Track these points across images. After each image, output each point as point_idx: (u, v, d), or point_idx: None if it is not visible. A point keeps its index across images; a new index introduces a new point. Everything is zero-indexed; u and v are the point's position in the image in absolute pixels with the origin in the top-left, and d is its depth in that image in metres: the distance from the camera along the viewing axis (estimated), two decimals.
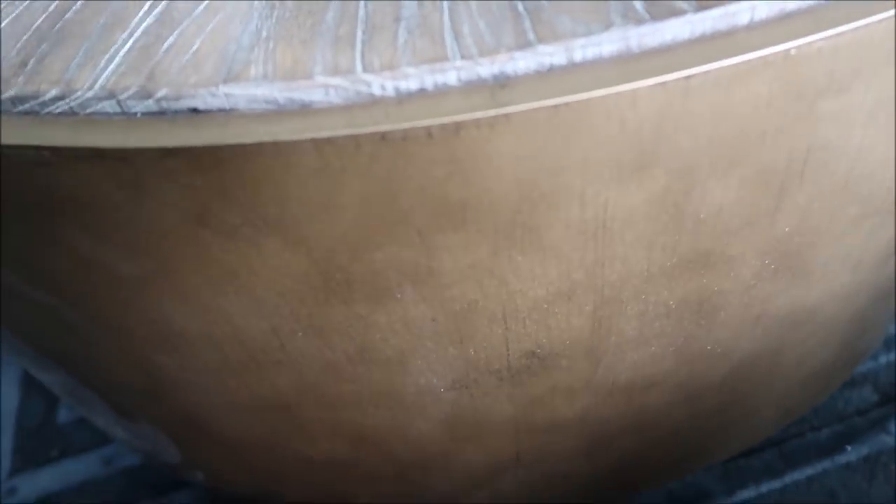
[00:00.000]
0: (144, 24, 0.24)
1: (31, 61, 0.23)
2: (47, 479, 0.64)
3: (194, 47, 0.22)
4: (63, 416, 0.68)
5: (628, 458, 0.45)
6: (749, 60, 0.21)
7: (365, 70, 0.21)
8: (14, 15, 0.25)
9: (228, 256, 0.25)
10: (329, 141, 0.21)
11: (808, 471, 0.58)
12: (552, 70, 0.21)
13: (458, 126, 0.20)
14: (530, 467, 0.43)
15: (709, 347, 0.35)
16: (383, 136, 0.21)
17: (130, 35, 0.23)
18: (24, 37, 0.24)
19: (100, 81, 0.22)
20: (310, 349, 0.30)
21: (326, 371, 0.32)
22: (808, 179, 0.26)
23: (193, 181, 0.22)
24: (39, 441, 0.66)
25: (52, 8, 0.25)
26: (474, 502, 0.47)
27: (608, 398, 0.37)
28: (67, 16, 0.25)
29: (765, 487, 0.57)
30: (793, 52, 0.21)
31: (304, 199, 0.22)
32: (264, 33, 0.23)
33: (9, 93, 0.22)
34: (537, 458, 0.42)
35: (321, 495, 0.47)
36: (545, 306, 0.29)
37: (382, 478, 0.43)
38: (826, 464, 0.58)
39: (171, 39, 0.23)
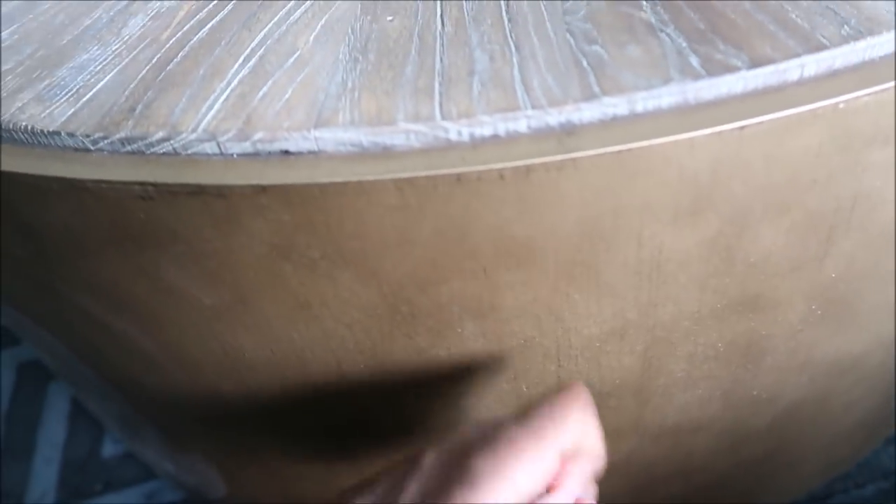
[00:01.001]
0: (240, 75, 0.26)
1: (139, 106, 0.26)
2: None
3: (286, 96, 0.25)
4: (108, 450, 0.69)
5: None
6: (799, 113, 0.23)
7: (443, 118, 0.23)
8: (121, 66, 0.28)
9: (304, 288, 0.27)
10: (409, 181, 0.22)
11: None
12: (615, 120, 0.23)
13: (528, 169, 0.22)
14: None
15: (755, 392, 0.36)
16: (459, 178, 0.22)
17: (228, 84, 0.26)
18: (132, 85, 0.27)
19: (202, 125, 0.24)
20: (370, 381, 0.32)
21: (384, 404, 0.33)
22: (855, 226, 0.27)
23: (282, 216, 0.24)
24: (84, 474, 0.68)
25: (155, 60, 0.28)
26: None
27: (655, 441, 0.37)
28: (169, 67, 0.27)
29: None
30: (841, 105, 0.23)
31: (381, 234, 0.24)
32: (350, 84, 0.25)
33: (119, 134, 0.25)
34: None
35: None
36: (598, 345, 0.30)
37: None
38: None
39: (264, 89, 0.25)
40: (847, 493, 0.59)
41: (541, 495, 0.25)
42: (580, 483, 0.25)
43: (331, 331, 0.29)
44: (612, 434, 0.36)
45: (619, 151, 0.22)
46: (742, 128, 0.22)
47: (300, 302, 0.28)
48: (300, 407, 0.34)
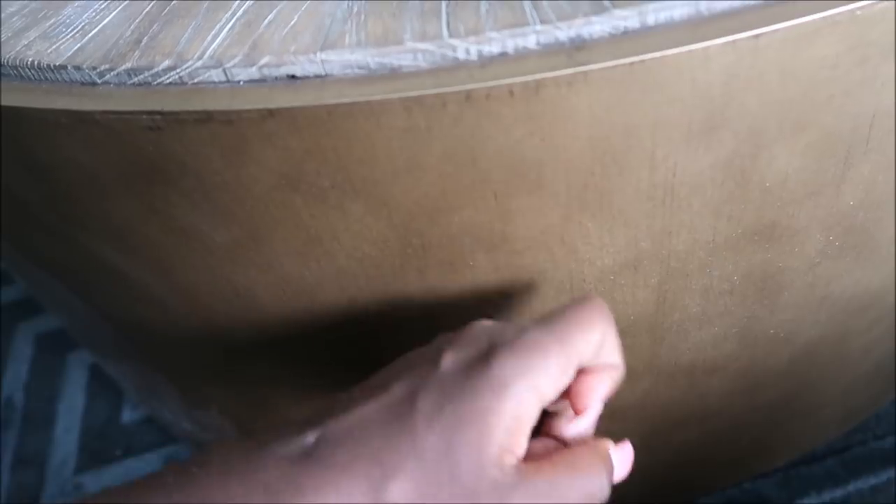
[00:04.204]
0: (245, 5, 0.26)
1: (145, 38, 0.25)
2: (111, 476, 0.66)
3: (292, 22, 0.25)
4: (127, 416, 0.70)
5: (688, 453, 0.45)
6: (815, 21, 0.22)
7: (451, 35, 0.23)
8: (126, 2, 0.28)
9: (314, 221, 0.27)
10: (417, 100, 0.22)
11: (872, 479, 0.57)
12: (626, 33, 0.22)
13: (538, 84, 0.22)
14: None
15: (772, 331, 0.36)
16: (468, 95, 0.22)
17: (233, 14, 0.26)
18: (137, 19, 0.27)
19: (208, 52, 0.24)
20: (383, 320, 0.32)
21: (398, 343, 0.33)
22: (874, 147, 0.27)
23: (290, 143, 0.24)
24: (104, 440, 0.69)
25: None
26: None
27: (670, 381, 0.37)
28: (174, 1, 0.27)
29: (827, 496, 0.56)
30: (858, 13, 0.22)
31: (390, 159, 0.24)
32: (356, 8, 0.25)
33: (125, 65, 0.25)
34: None
35: None
36: (611, 277, 0.30)
37: None
38: (890, 472, 0.57)
39: (270, 16, 0.25)
40: (866, 444, 0.58)
41: (557, 402, 0.25)
42: (603, 397, 0.25)
43: (342, 267, 0.29)
44: (626, 374, 0.36)
45: (631, 64, 0.22)
46: (757, 37, 0.22)
47: (311, 236, 0.28)
48: (313, 349, 0.34)
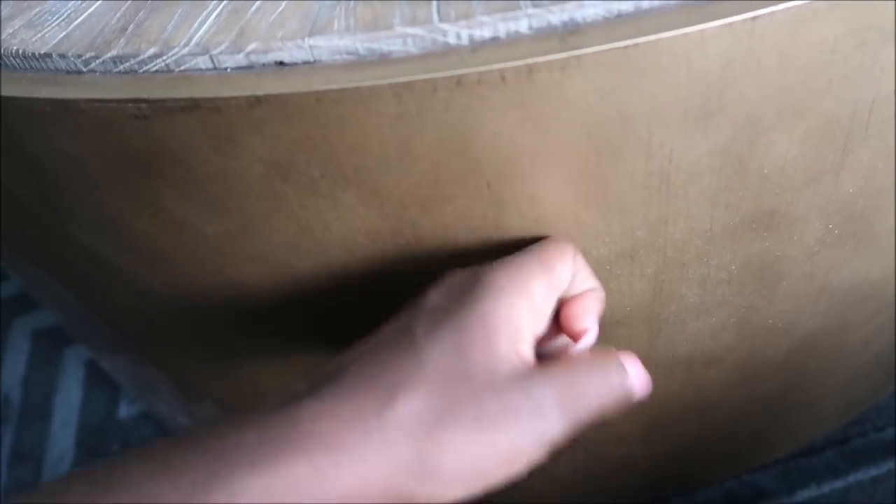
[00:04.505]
0: None
1: (131, 26, 0.25)
2: None
3: (280, 8, 0.24)
4: (124, 412, 0.70)
5: (686, 445, 0.45)
6: (813, 3, 0.21)
7: (441, 20, 0.22)
8: None
9: (305, 212, 0.26)
10: (407, 86, 0.22)
11: (872, 471, 0.56)
12: (620, 16, 0.22)
13: (530, 69, 0.21)
14: (587, 451, 0.43)
15: (770, 321, 0.35)
16: (459, 81, 0.22)
17: (220, 1, 0.25)
18: (123, 7, 0.26)
19: (194, 39, 0.24)
20: (377, 313, 0.31)
21: None
22: (873, 134, 0.26)
23: (279, 131, 0.23)
24: (101, 435, 0.69)
25: None
26: (529, 487, 0.47)
27: (667, 374, 0.37)
28: None
29: (826, 487, 0.56)
30: None
31: (381, 147, 0.24)
32: None
33: (111, 53, 0.24)
34: (594, 440, 0.42)
35: None
36: (608, 267, 0.29)
37: None
38: (890, 464, 0.56)
39: (257, 2, 0.25)
40: (866, 436, 0.58)
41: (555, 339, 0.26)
42: (596, 317, 0.26)
43: (334, 258, 0.29)
44: None
45: (625, 48, 0.21)
46: (754, 19, 0.21)
47: (302, 227, 0.27)
48: (306, 339, 0.34)
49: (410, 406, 0.21)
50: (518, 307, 0.23)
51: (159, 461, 0.21)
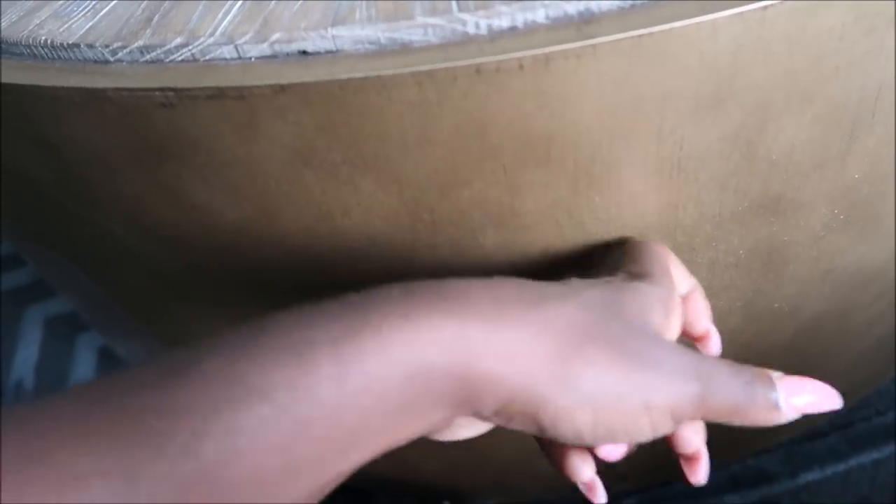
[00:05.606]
0: None
1: (157, 16, 0.26)
2: None
3: None
4: None
5: None
6: None
7: (461, 10, 0.23)
8: None
9: (326, 198, 0.27)
10: (428, 74, 0.22)
11: (875, 454, 0.57)
12: (634, 6, 0.23)
13: (547, 58, 0.22)
14: None
15: (776, 305, 0.36)
16: (478, 69, 0.22)
17: None
18: None
19: (220, 29, 0.24)
20: None
21: None
22: (879, 120, 0.27)
23: (301, 118, 0.24)
24: None
25: None
26: (537, 469, 0.47)
27: None
28: None
29: (829, 470, 0.57)
30: None
31: (401, 134, 0.24)
32: None
33: (137, 43, 0.25)
34: None
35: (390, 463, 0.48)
36: None
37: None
38: (892, 447, 0.57)
39: None
40: (869, 420, 0.59)
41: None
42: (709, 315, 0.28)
43: (353, 243, 0.29)
44: None
45: (639, 37, 0.22)
46: (765, 8, 0.22)
47: (322, 212, 0.28)
48: None
49: (560, 312, 0.22)
50: (669, 293, 0.25)
51: (309, 311, 0.21)
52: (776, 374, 0.24)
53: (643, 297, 0.24)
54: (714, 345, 0.27)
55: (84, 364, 0.75)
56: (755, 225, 0.30)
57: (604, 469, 0.27)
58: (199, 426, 0.18)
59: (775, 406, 0.23)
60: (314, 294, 0.33)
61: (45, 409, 0.19)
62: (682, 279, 0.27)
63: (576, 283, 0.24)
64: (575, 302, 0.22)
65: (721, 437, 0.50)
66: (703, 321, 0.27)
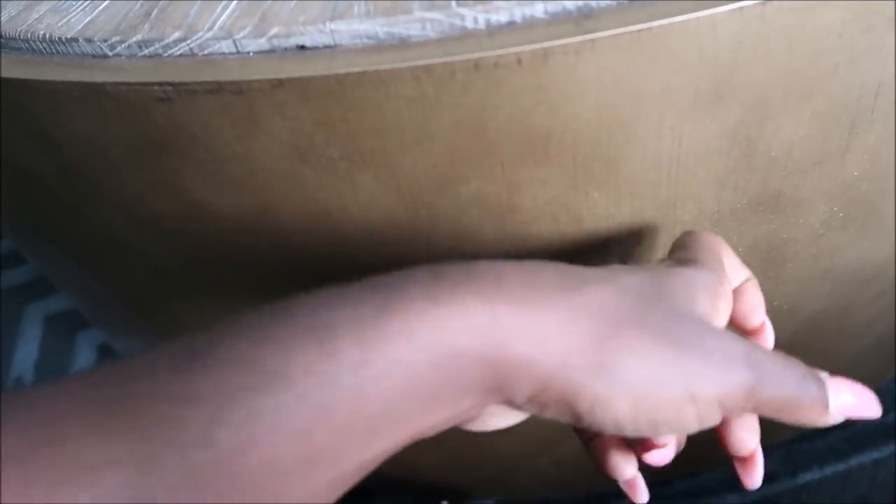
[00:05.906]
0: None
1: (155, 11, 0.26)
2: None
3: None
4: None
5: None
6: None
7: (459, 5, 0.23)
8: None
9: (323, 193, 0.27)
10: (426, 69, 0.22)
11: (874, 454, 0.57)
12: (633, 1, 0.23)
13: (546, 53, 0.22)
14: None
15: (776, 303, 0.36)
16: (476, 64, 0.22)
17: None
18: None
19: (218, 23, 0.24)
20: None
21: None
22: (879, 117, 0.27)
23: (300, 113, 0.24)
24: None
25: None
26: (537, 467, 0.47)
27: None
28: None
29: (829, 470, 0.57)
30: None
31: (399, 129, 0.24)
32: None
33: (136, 37, 0.25)
34: None
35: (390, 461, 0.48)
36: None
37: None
38: (892, 447, 0.57)
39: None
40: (868, 420, 0.59)
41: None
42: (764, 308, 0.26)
43: (351, 239, 0.29)
44: None
45: (639, 32, 0.22)
46: (764, 4, 0.22)
47: (320, 208, 0.28)
48: None
49: (597, 296, 0.21)
50: (719, 280, 0.24)
51: (331, 294, 0.21)
52: (824, 374, 0.23)
53: (688, 282, 0.23)
54: (768, 340, 0.26)
55: (84, 361, 0.75)
56: (754, 222, 0.30)
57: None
58: (215, 413, 0.17)
59: (825, 406, 0.22)
60: (312, 288, 0.33)
61: (53, 393, 0.18)
62: (735, 269, 0.26)
63: (617, 268, 0.23)
64: (613, 286, 0.21)
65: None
66: (759, 314, 0.26)
